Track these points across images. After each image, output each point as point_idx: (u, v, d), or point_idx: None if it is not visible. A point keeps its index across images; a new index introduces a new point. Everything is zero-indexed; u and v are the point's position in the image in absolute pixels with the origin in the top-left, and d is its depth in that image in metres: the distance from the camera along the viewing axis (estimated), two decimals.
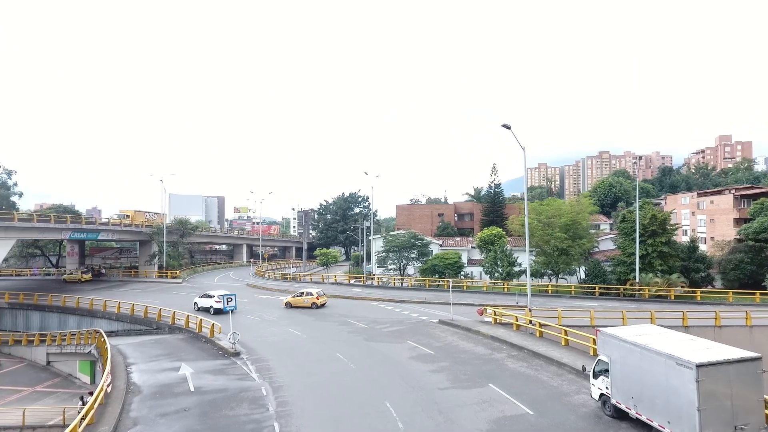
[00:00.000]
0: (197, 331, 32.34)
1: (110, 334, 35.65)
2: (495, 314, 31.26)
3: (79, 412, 25.63)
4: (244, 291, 54.14)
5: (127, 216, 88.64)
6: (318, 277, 65.48)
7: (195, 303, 40.74)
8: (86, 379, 34.81)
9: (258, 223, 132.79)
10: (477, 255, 64.25)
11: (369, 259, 73.04)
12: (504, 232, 60.63)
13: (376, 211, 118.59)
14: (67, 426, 16.64)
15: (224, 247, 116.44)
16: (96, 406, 17.82)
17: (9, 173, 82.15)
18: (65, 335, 38.01)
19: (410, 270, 62.51)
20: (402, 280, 57.03)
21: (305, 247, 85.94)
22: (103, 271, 72.29)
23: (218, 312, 36.75)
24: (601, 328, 18.26)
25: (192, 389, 20.78)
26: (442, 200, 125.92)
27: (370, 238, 74.41)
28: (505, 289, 47.63)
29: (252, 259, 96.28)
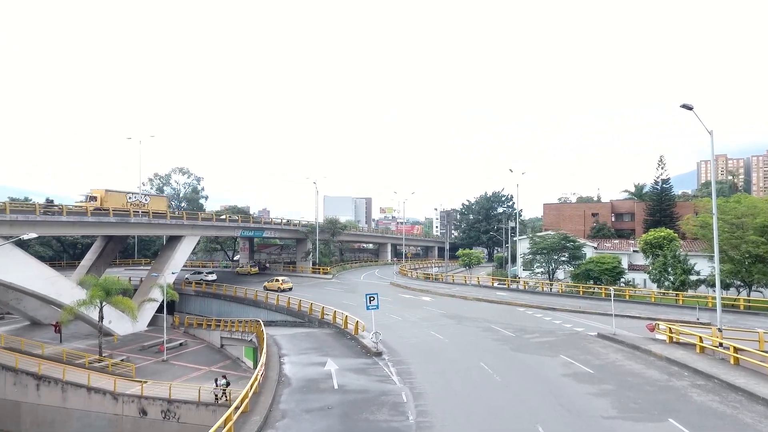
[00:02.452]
0: (343, 327, 33.45)
1: (269, 324, 38.98)
2: (670, 331, 26.45)
3: (216, 396, 28.08)
4: (387, 289, 55.19)
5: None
6: (460, 278, 64.01)
7: None
8: (250, 363, 38.46)
9: (402, 223, 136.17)
10: (640, 260, 56.45)
11: (514, 261, 69.23)
12: (675, 234, 52.24)
13: (521, 210, 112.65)
14: (230, 406, 17.98)
15: (370, 245, 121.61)
16: (251, 394, 18.95)
17: (198, 180, 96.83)
18: (234, 323, 42.65)
19: (560, 274, 57.49)
20: (551, 285, 52.59)
21: (447, 247, 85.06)
22: (268, 265, 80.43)
23: None
24: None
25: (336, 387, 21.09)
26: (595, 198, 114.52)
27: (514, 238, 70.52)
28: (679, 301, 40.66)
29: (396, 258, 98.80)
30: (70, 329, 44.66)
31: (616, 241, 66.60)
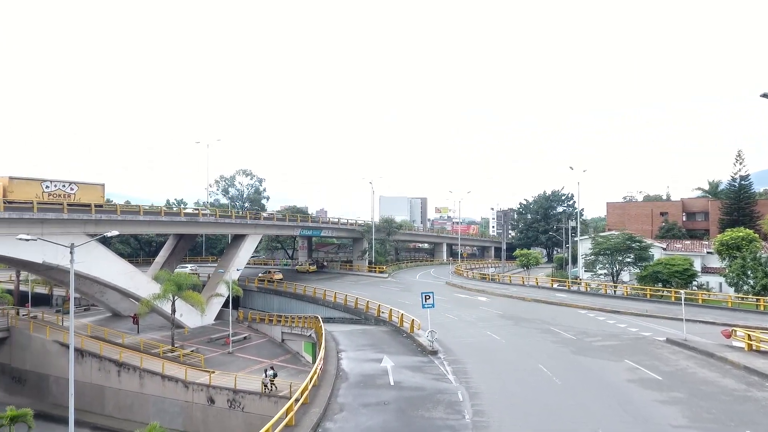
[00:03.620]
0: (399, 325, 33.82)
1: (327, 320, 40.06)
2: (750, 338, 24.67)
3: (265, 385, 29.59)
4: (442, 288, 55.04)
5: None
6: (518, 278, 62.63)
7: None
8: (309, 358, 39.70)
9: (457, 222, 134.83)
10: (715, 262, 52.72)
11: (574, 262, 66.80)
12: (756, 235, 48.37)
13: (582, 209, 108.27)
14: (291, 398, 18.84)
15: (426, 245, 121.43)
16: (310, 387, 19.71)
17: (260, 181, 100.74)
18: (294, 318, 44.18)
19: (625, 276, 54.82)
20: (615, 287, 50.31)
21: (504, 247, 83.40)
22: (325, 264, 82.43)
23: None
24: None
25: (392, 383, 21.45)
26: (664, 197, 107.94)
27: (575, 239, 68.00)
28: (761, 307, 37.70)
29: (451, 258, 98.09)
30: (146, 321, 48.01)
31: (688, 242, 62.58)
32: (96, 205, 41.58)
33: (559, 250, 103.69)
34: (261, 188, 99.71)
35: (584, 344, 27.79)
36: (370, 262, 75.12)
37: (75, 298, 30.70)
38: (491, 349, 27.21)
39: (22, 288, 55.04)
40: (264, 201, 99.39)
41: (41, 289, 58.27)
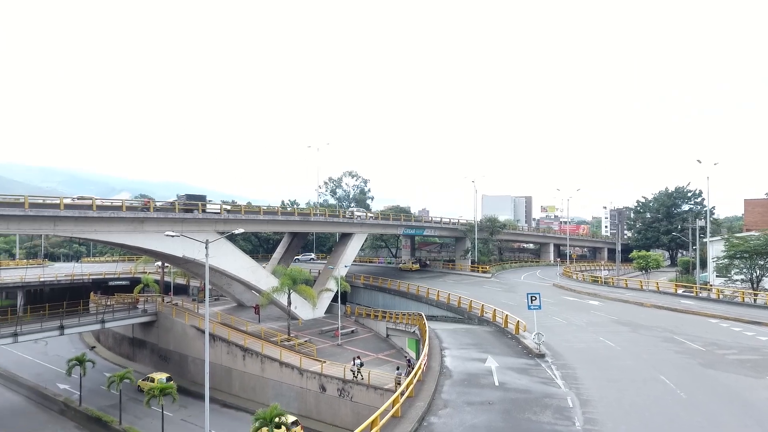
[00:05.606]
0: (503, 326, 33.35)
1: (430, 318, 40.66)
2: None
3: (353, 372, 31.78)
4: (549, 290, 52.90)
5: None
6: (635, 282, 57.94)
7: None
8: (412, 354, 40.62)
9: (565, 222, 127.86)
10: None
11: (703, 266, 60.07)
12: None
13: (713, 207, 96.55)
14: (396, 391, 19.68)
15: (531, 245, 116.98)
16: (415, 382, 20.40)
17: (365, 182, 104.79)
18: (398, 315, 45.49)
19: (767, 283, 48.17)
20: (755, 295, 44.44)
21: (619, 248, 77.37)
22: (428, 262, 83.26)
23: None
24: None
25: (496, 384, 21.37)
26: None
27: (705, 240, 61.06)
28: None
29: (559, 259, 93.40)
30: (265, 311, 52.58)
31: None
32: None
33: (684, 252, 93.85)
34: (366, 189, 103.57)
35: (715, 356, 25.16)
36: (472, 262, 74.42)
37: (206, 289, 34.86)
38: (604, 356, 25.78)
39: (166, 279, 63.29)
40: (369, 201, 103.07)
41: (180, 281, 66.64)
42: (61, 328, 42.58)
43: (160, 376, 40.37)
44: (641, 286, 55.67)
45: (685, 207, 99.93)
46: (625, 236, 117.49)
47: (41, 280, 69.14)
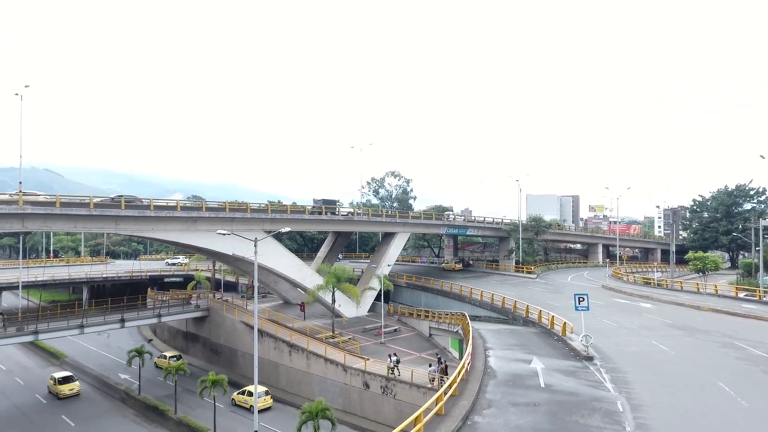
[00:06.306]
0: (549, 327, 32.72)
1: (473, 318, 40.41)
2: None
3: (390, 369, 32.26)
4: (598, 292, 51.32)
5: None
6: (691, 285, 55.23)
7: None
8: (455, 354, 40.54)
9: (615, 222, 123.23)
10: None
11: None
12: None
13: None
14: (440, 389, 19.78)
15: (578, 246, 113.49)
16: (459, 380, 20.44)
17: (407, 182, 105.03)
18: (441, 314, 45.42)
19: None
20: None
21: (673, 249, 73.79)
22: (471, 262, 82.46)
23: None
24: None
25: (542, 385, 21.07)
26: None
27: None
28: None
29: (608, 260, 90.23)
30: (310, 309, 53.76)
31: None
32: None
33: (745, 254, 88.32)
34: (408, 188, 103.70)
35: None
36: (517, 262, 73.11)
37: (254, 286, 36.18)
38: (657, 360, 24.86)
39: (216, 276, 65.90)
40: (411, 201, 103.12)
41: (230, 278, 69.17)
42: (122, 321, 45.26)
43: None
44: (698, 288, 53.03)
45: (747, 206, 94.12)
46: (681, 236, 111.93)
47: (104, 276, 73.61)
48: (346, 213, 51.23)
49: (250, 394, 36.28)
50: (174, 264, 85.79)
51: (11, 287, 64.01)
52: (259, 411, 32.52)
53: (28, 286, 65.77)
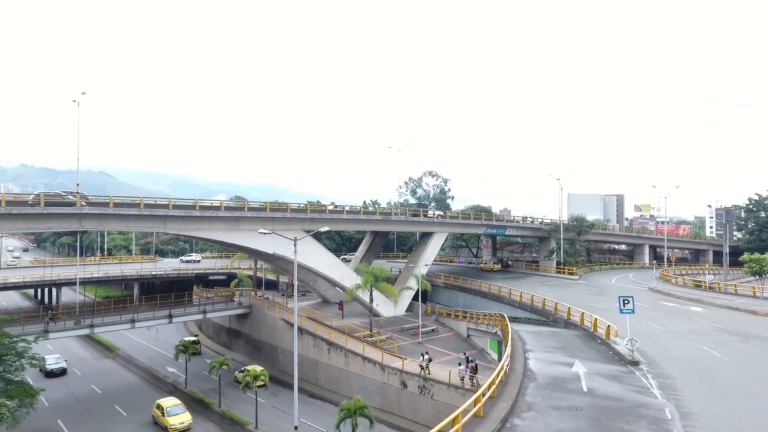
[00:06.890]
0: (592, 330, 31.87)
1: (512, 319, 39.79)
2: None
3: (421, 367, 32.24)
4: (644, 295, 49.48)
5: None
6: (746, 288, 52.35)
7: None
8: (494, 355, 40.05)
9: (662, 222, 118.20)
10: None
11: None
12: None
13: None
14: (477, 391, 19.66)
15: (623, 246, 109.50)
16: (497, 382, 20.23)
17: (445, 181, 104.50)
18: (479, 315, 44.96)
19: None
20: None
21: (726, 250, 70.14)
22: (510, 263, 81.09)
23: None
24: None
25: (585, 389, 20.57)
26: None
27: None
28: None
29: (655, 261, 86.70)
30: (348, 308, 54.31)
31: None
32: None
33: None
34: (446, 188, 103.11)
35: None
36: (558, 263, 71.35)
37: (294, 285, 36.97)
38: (708, 366, 23.80)
39: (258, 275, 67.64)
40: (449, 201, 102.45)
41: (271, 277, 70.84)
42: (170, 316, 47.20)
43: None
44: (754, 292, 50.26)
45: None
46: (735, 237, 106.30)
47: (153, 273, 76.93)
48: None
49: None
50: (188, 261, 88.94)
51: (70, 283, 67.82)
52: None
53: (85, 282, 69.50)
